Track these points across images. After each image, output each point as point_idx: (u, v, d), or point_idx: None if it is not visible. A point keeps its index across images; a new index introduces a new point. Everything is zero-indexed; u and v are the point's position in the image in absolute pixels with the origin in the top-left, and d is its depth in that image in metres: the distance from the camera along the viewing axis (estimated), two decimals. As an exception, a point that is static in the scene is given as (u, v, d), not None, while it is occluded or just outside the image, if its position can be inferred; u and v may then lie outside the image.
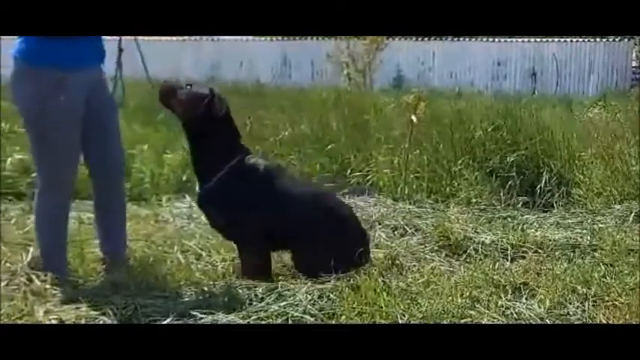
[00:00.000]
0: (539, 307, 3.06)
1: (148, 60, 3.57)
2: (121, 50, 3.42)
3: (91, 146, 3.36)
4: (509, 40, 16.17)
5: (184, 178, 5.60)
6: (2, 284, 3.23)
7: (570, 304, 3.11)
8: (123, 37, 3.39)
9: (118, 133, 3.50)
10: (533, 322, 2.94)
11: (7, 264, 3.41)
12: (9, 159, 5.62)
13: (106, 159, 3.45)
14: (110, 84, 3.47)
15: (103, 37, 3.35)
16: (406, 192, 5.28)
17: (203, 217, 4.70)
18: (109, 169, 3.47)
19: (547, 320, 2.97)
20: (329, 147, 6.03)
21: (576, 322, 2.98)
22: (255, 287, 3.19)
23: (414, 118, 5.48)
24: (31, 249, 3.57)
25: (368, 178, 5.57)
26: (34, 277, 3.25)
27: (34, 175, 5.10)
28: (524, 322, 2.94)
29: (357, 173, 5.66)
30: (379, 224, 4.50)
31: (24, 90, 3.20)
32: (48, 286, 3.17)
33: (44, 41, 3.12)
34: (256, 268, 3.42)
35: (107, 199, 3.51)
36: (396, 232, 4.39)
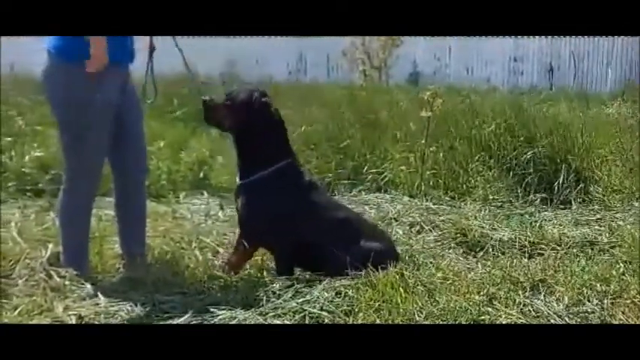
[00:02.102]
0: (558, 305, 3.04)
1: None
2: (153, 49, 3.43)
3: (116, 145, 3.38)
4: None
5: (201, 175, 5.62)
6: (21, 281, 3.26)
7: (589, 301, 3.10)
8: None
9: (143, 133, 3.53)
10: (552, 320, 2.93)
11: (27, 260, 3.43)
12: (27, 156, 5.66)
13: (130, 158, 3.47)
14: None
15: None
16: (423, 189, 5.27)
17: (220, 214, 4.76)
18: (131, 169, 3.49)
19: (566, 318, 2.96)
20: (344, 144, 6.03)
21: (595, 320, 2.96)
22: (273, 284, 3.21)
23: (430, 114, 5.47)
24: (50, 245, 3.59)
25: (384, 174, 5.56)
26: (53, 273, 3.27)
27: (53, 172, 5.18)
28: (542, 320, 2.93)
29: (373, 170, 5.64)
30: (396, 221, 4.50)
31: (58, 85, 3.22)
32: (67, 282, 3.19)
33: (80, 37, 3.11)
34: (282, 270, 3.42)
35: (128, 198, 3.54)
36: (412, 229, 4.39)
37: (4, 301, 3.04)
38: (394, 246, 3.60)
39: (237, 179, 3.53)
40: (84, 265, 3.36)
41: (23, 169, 5.52)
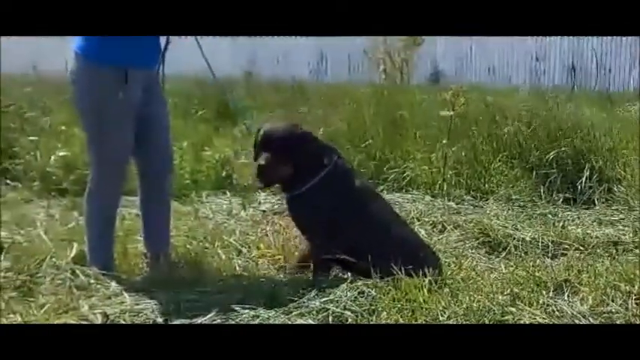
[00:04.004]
0: (582, 305, 3.03)
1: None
2: (167, 42, 3.43)
3: (142, 144, 3.41)
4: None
5: (223, 174, 5.64)
6: (47, 279, 3.29)
7: (613, 301, 3.08)
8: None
9: (169, 132, 3.55)
10: (576, 320, 2.91)
11: (53, 259, 3.46)
12: (52, 156, 5.71)
13: (155, 158, 3.49)
14: None
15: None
16: (445, 188, 5.27)
17: (243, 213, 4.78)
18: (157, 168, 3.52)
19: (590, 318, 2.94)
20: (366, 143, 6.02)
21: (620, 321, 2.95)
22: (296, 283, 3.22)
23: (452, 114, 5.46)
24: (75, 244, 3.62)
25: (406, 174, 5.56)
26: (78, 272, 3.30)
27: (77, 171, 5.24)
28: (566, 321, 2.92)
29: (395, 169, 5.64)
30: (418, 221, 4.50)
31: (82, 86, 3.26)
32: (92, 281, 3.22)
33: (105, 38, 3.15)
34: (320, 268, 3.40)
35: (153, 197, 3.56)
36: (435, 229, 4.39)
37: (31, 299, 3.08)
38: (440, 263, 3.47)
39: (284, 193, 3.50)
40: (110, 264, 3.39)
41: (48, 169, 5.58)
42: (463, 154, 5.59)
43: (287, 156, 3.31)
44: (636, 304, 3.05)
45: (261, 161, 3.31)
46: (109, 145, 3.30)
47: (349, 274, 3.38)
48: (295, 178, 3.37)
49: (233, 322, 2.83)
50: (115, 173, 3.38)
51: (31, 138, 6.21)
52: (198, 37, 3.38)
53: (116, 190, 3.43)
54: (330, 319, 2.88)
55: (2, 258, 3.53)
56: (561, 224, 4.43)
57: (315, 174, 3.36)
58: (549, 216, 4.69)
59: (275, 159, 3.30)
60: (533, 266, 3.49)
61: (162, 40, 3.39)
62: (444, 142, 5.51)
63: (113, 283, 3.21)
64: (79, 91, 3.29)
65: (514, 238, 4.09)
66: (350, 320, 2.87)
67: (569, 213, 4.80)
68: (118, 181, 3.41)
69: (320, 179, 3.36)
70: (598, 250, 3.91)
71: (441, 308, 2.91)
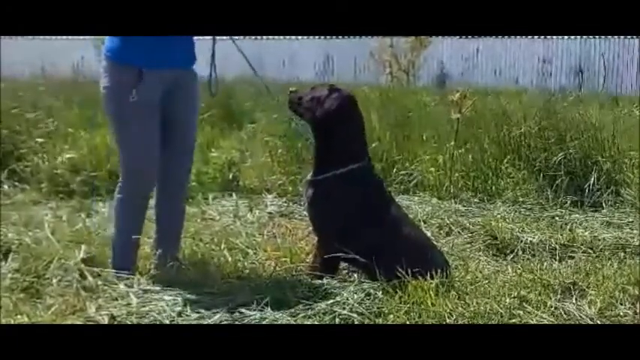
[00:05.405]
0: (590, 308, 3.02)
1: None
2: (214, 42, 3.46)
3: (165, 145, 3.40)
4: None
5: (230, 176, 5.64)
6: (55, 281, 3.29)
7: (622, 305, 3.07)
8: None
9: (193, 135, 3.56)
10: (584, 323, 2.91)
11: (60, 261, 3.46)
12: (60, 158, 5.72)
13: (176, 159, 3.49)
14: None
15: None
16: (452, 190, 5.26)
17: (249, 215, 4.78)
18: (176, 169, 3.52)
19: (598, 321, 2.93)
20: (373, 145, 6.01)
21: (627, 323, 2.94)
22: (302, 285, 3.21)
23: (459, 116, 5.45)
24: (84, 246, 3.62)
25: (413, 176, 5.55)
26: (87, 273, 3.30)
27: (85, 172, 5.25)
28: (574, 323, 2.91)
29: (402, 172, 5.63)
30: (425, 223, 4.49)
31: (108, 86, 3.30)
32: (100, 282, 3.22)
33: (128, 40, 3.21)
34: (325, 266, 3.39)
35: (170, 198, 3.55)
36: (441, 231, 4.38)
37: (38, 300, 3.09)
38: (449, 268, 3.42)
39: (310, 175, 3.54)
40: (130, 263, 3.41)
41: (55, 171, 5.58)
42: (470, 156, 5.58)
43: (309, 98, 3.49)
44: (644, 307, 3.05)
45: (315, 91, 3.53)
46: (132, 145, 3.33)
47: (355, 275, 3.38)
48: (324, 160, 3.44)
49: (239, 324, 2.83)
50: (141, 175, 3.38)
51: (38, 140, 6.21)
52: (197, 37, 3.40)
53: (143, 187, 3.44)
54: (337, 321, 2.88)
55: (10, 259, 3.54)
56: (569, 227, 4.41)
57: (344, 164, 3.39)
58: (557, 218, 4.68)
59: (301, 94, 3.54)
60: (540, 269, 3.48)
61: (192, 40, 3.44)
62: (451, 144, 5.50)
63: (120, 285, 3.21)
64: (105, 91, 3.33)
65: (521, 241, 4.08)
66: (357, 322, 2.87)
67: (576, 215, 4.79)
68: (145, 182, 3.42)
69: (348, 172, 3.39)
70: (606, 253, 3.90)
71: (448, 311, 2.90)
